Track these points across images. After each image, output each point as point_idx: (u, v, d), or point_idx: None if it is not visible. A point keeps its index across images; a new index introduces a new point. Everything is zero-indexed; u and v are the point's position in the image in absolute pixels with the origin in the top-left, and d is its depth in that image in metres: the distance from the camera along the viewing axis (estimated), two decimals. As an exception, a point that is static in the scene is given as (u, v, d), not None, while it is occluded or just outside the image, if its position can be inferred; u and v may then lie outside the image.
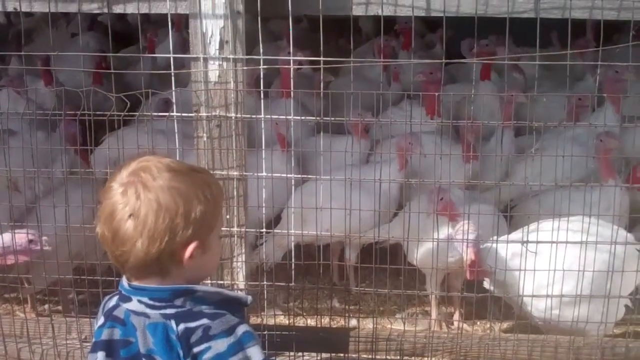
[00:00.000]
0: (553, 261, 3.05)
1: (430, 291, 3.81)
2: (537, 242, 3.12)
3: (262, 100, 3.07)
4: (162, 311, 1.74)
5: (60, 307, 3.84)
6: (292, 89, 3.10)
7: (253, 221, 3.35)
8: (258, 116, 3.07)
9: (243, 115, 3.04)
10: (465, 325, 3.93)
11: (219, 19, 2.95)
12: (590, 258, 3.08)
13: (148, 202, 1.70)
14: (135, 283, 1.77)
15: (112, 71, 3.05)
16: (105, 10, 3.12)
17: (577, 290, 3.12)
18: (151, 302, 1.75)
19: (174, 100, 3.03)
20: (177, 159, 3.06)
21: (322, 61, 2.97)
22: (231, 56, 2.98)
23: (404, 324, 3.25)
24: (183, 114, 3.05)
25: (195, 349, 1.70)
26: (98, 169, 3.73)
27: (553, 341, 3.25)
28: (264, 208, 3.11)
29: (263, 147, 3.07)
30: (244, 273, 3.16)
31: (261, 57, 2.97)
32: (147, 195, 1.70)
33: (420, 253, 3.74)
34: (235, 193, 3.08)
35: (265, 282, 3.20)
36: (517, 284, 3.25)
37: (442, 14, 2.97)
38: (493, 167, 3.99)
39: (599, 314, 3.19)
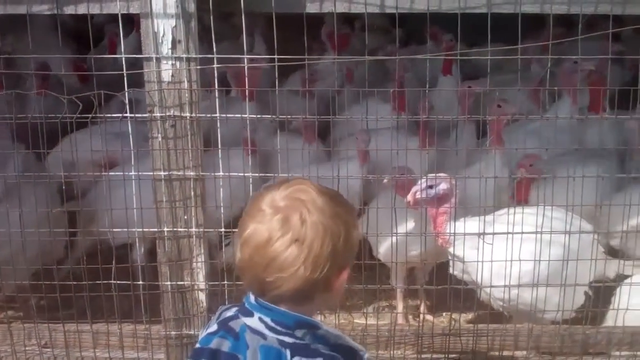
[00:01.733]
0: (510, 244, 3.08)
1: (394, 284, 3.84)
2: (494, 233, 3.16)
3: (217, 100, 3.02)
4: (280, 337, 1.68)
5: (20, 314, 3.79)
6: (247, 87, 3.07)
7: (218, 221, 3.35)
8: (213, 115, 3.04)
9: (198, 115, 3.02)
10: (431, 317, 3.97)
11: (170, 18, 2.93)
12: (547, 242, 3.13)
13: (314, 227, 1.64)
14: (263, 300, 1.71)
15: (62, 73, 3.01)
16: (56, 12, 3.07)
17: (535, 271, 3.15)
18: (272, 325, 1.69)
19: (126, 102, 2.99)
20: (133, 161, 3.05)
21: (276, 59, 2.97)
22: (184, 55, 2.95)
23: (366, 318, 3.26)
24: (137, 115, 3.02)
25: None
26: (53, 172, 3.68)
27: (512, 330, 3.29)
28: (221, 208, 3.11)
29: (219, 147, 3.04)
30: (204, 273, 3.15)
31: (215, 56, 2.94)
32: (312, 220, 1.64)
33: (383, 248, 3.76)
34: (192, 193, 3.06)
35: (226, 282, 3.18)
36: (477, 265, 3.27)
37: (395, 10, 2.98)
38: (453, 160, 4.02)
39: (557, 295, 3.23)
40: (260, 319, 1.70)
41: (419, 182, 3.31)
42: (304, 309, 1.71)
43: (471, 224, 3.30)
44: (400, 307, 3.89)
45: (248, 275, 1.70)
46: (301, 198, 1.67)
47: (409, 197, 3.28)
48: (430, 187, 3.29)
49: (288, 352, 1.67)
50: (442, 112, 3.77)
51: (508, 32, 2.93)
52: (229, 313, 1.79)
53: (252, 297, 1.74)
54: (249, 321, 1.72)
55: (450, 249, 3.35)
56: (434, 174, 3.34)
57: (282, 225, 1.64)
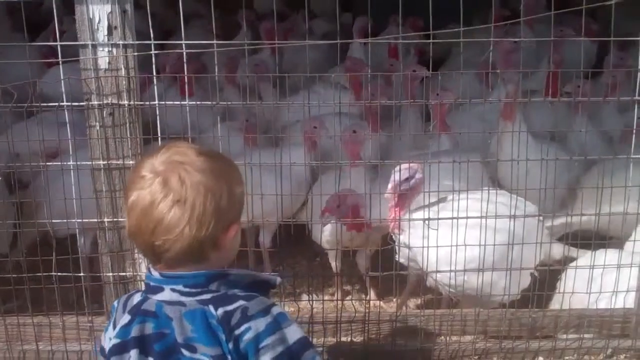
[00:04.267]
0: (455, 231, 3.08)
1: (335, 270, 3.83)
2: (439, 218, 3.15)
3: (155, 86, 2.98)
4: (198, 297, 1.70)
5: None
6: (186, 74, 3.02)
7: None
8: (152, 103, 2.99)
9: (136, 102, 2.96)
10: (381, 304, 3.96)
11: (105, 4, 2.87)
12: (492, 227, 3.13)
13: (194, 187, 1.66)
14: (168, 272, 1.72)
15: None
16: (-11, 0, 3.00)
17: (480, 256, 3.16)
18: (186, 290, 1.71)
19: (63, 90, 2.93)
20: (71, 150, 3.00)
21: (215, 45, 2.93)
22: (121, 42, 2.90)
23: (312, 304, 3.24)
24: (73, 104, 2.96)
25: (237, 331, 1.68)
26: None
27: (459, 315, 3.29)
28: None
29: (159, 136, 2.99)
30: (147, 264, 3.10)
31: (152, 42, 2.89)
32: (192, 180, 1.66)
33: (321, 232, 3.75)
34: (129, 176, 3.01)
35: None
36: (423, 253, 3.27)
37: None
38: (400, 145, 4.01)
39: (503, 279, 3.23)
40: (173, 290, 1.72)
41: (395, 175, 3.20)
42: (201, 268, 1.73)
43: (417, 212, 3.28)
44: (339, 293, 3.88)
45: (139, 241, 1.73)
46: (179, 160, 1.70)
47: (390, 191, 3.18)
48: (407, 179, 3.22)
49: (211, 307, 1.70)
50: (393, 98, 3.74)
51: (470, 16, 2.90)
52: (136, 299, 1.79)
53: (155, 273, 1.76)
54: (161, 296, 1.73)
55: (401, 237, 3.32)
56: (406, 163, 3.23)
57: (162, 188, 1.67)
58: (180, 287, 1.71)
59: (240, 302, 1.70)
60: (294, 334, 1.71)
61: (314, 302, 3.25)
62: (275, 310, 1.72)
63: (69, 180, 2.98)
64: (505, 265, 3.21)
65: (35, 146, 3.15)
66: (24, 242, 3.64)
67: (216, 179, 1.69)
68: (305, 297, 3.81)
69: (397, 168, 3.22)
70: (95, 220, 3.05)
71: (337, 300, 3.40)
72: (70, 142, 2.98)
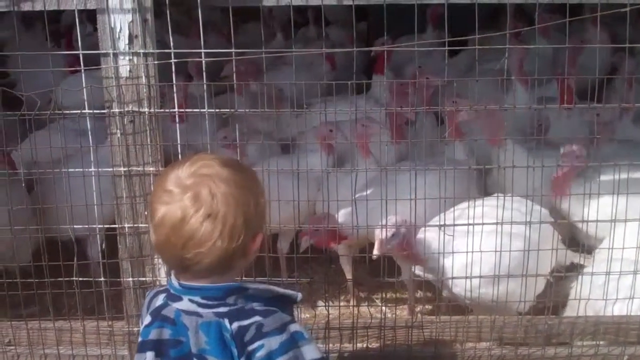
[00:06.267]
0: (471, 242, 3.10)
1: (347, 276, 3.86)
2: (454, 225, 3.17)
3: (174, 94, 3.01)
4: (215, 310, 1.72)
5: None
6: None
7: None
8: (171, 110, 3.04)
9: (157, 110, 3.01)
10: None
11: (127, 14, 2.92)
12: (507, 236, 3.14)
13: (224, 199, 1.67)
14: (187, 282, 1.74)
15: (20, 70, 3.00)
16: (12, 9, 3.06)
17: (496, 269, 3.18)
18: (203, 301, 1.72)
19: (85, 98, 2.98)
20: (92, 156, 3.05)
21: (233, 53, 2.97)
22: (141, 51, 2.95)
23: (328, 310, 3.26)
24: (95, 111, 3.01)
25: (250, 347, 1.69)
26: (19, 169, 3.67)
27: (475, 321, 3.30)
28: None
29: (179, 142, 3.04)
30: (166, 269, 3.14)
31: (172, 50, 2.94)
32: (221, 192, 1.68)
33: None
34: (152, 189, 3.05)
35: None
36: (440, 265, 3.30)
37: (351, 2, 2.99)
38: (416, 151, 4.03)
39: (519, 288, 3.24)
40: (191, 300, 1.74)
41: (381, 232, 3.20)
42: (225, 277, 1.75)
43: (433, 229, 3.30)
44: (352, 299, 3.90)
45: (167, 255, 1.74)
46: (207, 173, 1.71)
47: (377, 251, 3.19)
48: (393, 235, 3.23)
49: (226, 321, 1.71)
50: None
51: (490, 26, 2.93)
52: (158, 302, 1.82)
53: (175, 282, 1.77)
54: (180, 305, 1.75)
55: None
56: (392, 219, 3.22)
57: (193, 203, 1.67)
58: (197, 299, 1.73)
59: (256, 318, 1.71)
60: (310, 353, 1.71)
61: (330, 308, 3.27)
62: (293, 327, 1.72)
63: (76, 185, 3.02)
64: (521, 271, 3.22)
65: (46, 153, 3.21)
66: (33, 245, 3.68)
67: (243, 190, 1.71)
68: (321, 303, 3.85)
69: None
70: (116, 225, 3.10)
71: (352, 306, 3.42)
72: (91, 149, 3.03)
